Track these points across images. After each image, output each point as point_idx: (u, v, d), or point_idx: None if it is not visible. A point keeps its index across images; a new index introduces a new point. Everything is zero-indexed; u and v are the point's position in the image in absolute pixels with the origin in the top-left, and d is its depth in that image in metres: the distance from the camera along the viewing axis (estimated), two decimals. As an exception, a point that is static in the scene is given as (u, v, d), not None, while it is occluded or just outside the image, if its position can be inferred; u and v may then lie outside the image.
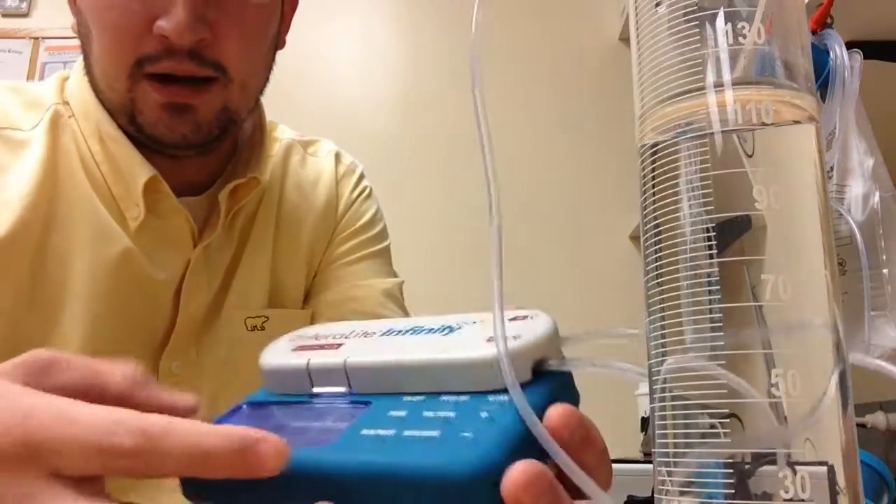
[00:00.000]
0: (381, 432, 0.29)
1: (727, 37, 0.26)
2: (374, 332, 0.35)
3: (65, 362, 0.32)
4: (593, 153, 1.82)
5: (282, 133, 0.78)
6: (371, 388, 0.32)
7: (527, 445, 0.26)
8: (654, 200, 0.27)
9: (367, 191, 0.81)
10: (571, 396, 0.30)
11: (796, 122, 0.26)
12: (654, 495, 0.26)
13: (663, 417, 0.26)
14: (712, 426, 0.24)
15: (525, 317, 0.32)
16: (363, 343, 0.34)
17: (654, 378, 0.26)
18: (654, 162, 0.27)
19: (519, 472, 0.25)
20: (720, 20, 0.26)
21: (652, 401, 0.26)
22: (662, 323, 0.26)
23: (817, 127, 0.27)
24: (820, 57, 0.65)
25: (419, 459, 0.27)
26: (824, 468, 0.23)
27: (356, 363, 0.33)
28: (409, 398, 0.31)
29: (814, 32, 0.67)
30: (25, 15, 2.00)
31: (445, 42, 1.90)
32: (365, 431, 0.29)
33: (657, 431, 0.26)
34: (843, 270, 0.64)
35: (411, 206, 1.72)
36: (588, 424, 0.28)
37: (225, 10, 0.60)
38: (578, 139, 1.84)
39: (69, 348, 0.59)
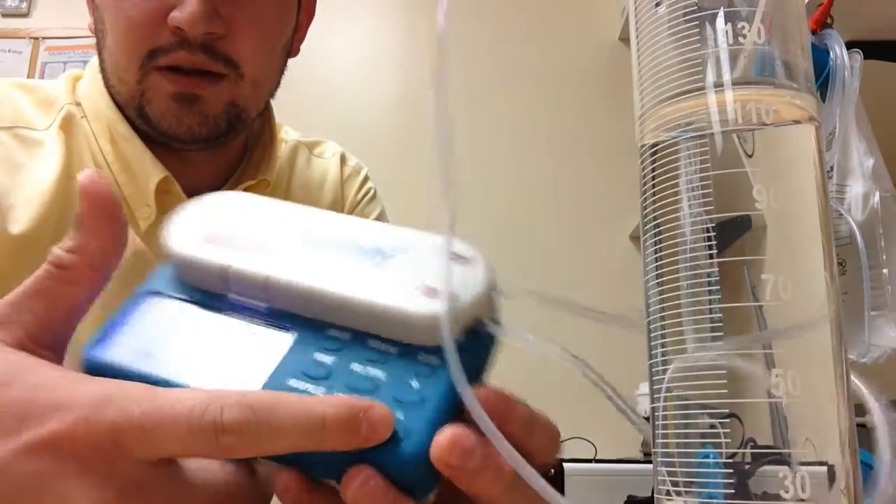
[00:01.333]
0: (310, 388, 0.27)
1: (727, 37, 0.26)
2: (299, 234, 0.32)
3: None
4: (593, 153, 1.82)
5: (286, 134, 0.79)
6: (293, 309, 0.30)
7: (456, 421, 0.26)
8: (654, 200, 0.27)
9: (371, 192, 0.81)
10: (493, 355, 0.30)
11: (796, 122, 0.26)
12: (654, 495, 0.26)
13: (663, 417, 0.26)
14: (712, 426, 0.24)
15: (462, 258, 0.30)
16: (283, 249, 0.32)
17: (654, 378, 0.26)
18: (654, 162, 0.27)
19: (445, 438, 0.25)
20: (720, 20, 0.26)
21: (652, 401, 0.26)
22: (662, 323, 0.26)
23: (817, 127, 0.27)
24: (820, 57, 0.65)
25: None
26: (824, 468, 0.23)
27: (280, 282, 0.30)
28: (334, 333, 0.29)
29: (814, 32, 0.67)
30: (25, 15, 2.00)
31: (448, 44, 1.90)
32: (292, 382, 0.28)
33: (657, 431, 0.26)
34: (843, 270, 0.64)
35: (411, 207, 1.72)
36: (507, 399, 0.27)
37: (239, 6, 0.61)
38: (578, 139, 1.84)
39: (81, 348, 0.60)
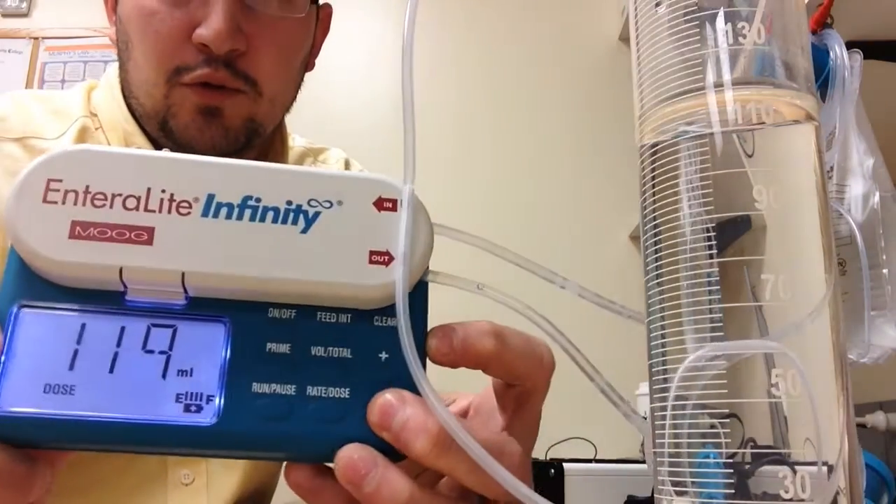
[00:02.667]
0: (278, 389, 0.25)
1: (727, 37, 0.26)
2: (187, 201, 0.26)
3: None
4: (593, 153, 1.82)
5: (293, 141, 0.81)
6: (217, 294, 0.26)
7: None
8: (654, 200, 0.27)
9: None
10: (427, 295, 0.29)
11: (796, 122, 0.26)
12: (654, 495, 0.26)
13: (663, 417, 0.26)
14: (712, 426, 0.24)
15: (391, 201, 0.28)
16: (182, 228, 0.25)
17: (654, 378, 0.26)
18: (654, 162, 0.27)
19: (375, 407, 0.26)
20: (720, 20, 0.26)
21: (652, 401, 0.26)
22: (662, 323, 0.26)
23: (817, 127, 0.27)
24: (820, 57, 0.65)
25: (339, 438, 0.25)
26: (824, 468, 0.23)
27: (200, 275, 0.25)
28: (276, 314, 0.26)
29: (814, 32, 0.67)
30: (25, 15, 2.00)
31: (446, 43, 1.90)
32: (256, 388, 0.25)
33: (657, 431, 0.26)
34: (843, 270, 0.64)
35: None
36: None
37: (260, 24, 0.62)
38: (578, 139, 1.84)
39: None
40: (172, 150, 0.63)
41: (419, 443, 0.25)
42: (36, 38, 1.97)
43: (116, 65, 0.69)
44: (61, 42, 1.95)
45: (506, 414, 0.32)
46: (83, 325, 0.25)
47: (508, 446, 0.28)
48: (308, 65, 0.72)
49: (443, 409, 0.25)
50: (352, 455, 0.25)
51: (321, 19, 0.73)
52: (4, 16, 2.00)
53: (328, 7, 0.74)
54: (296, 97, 0.71)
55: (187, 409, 0.25)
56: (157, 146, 0.65)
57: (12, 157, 0.62)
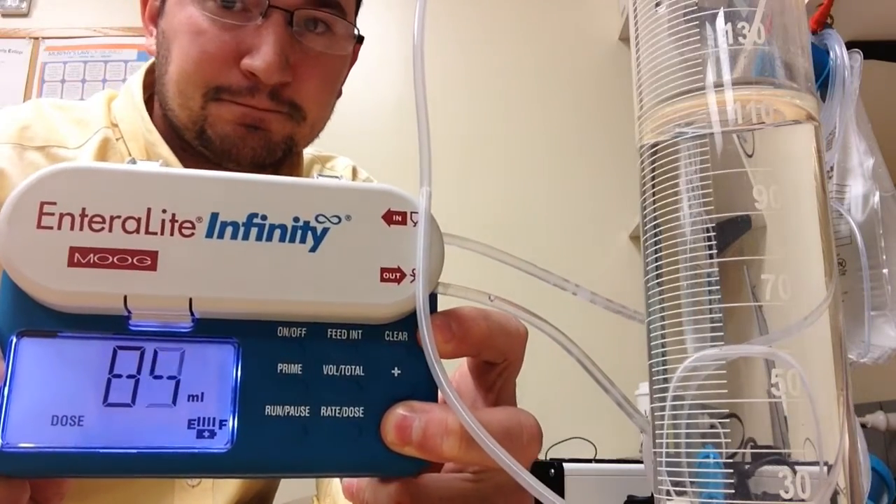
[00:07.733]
0: (291, 411, 0.25)
1: (727, 37, 0.26)
2: (190, 221, 0.25)
3: None
4: (593, 153, 1.82)
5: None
6: (225, 316, 0.25)
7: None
8: (654, 200, 0.27)
9: None
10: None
11: (796, 122, 0.26)
12: (654, 495, 0.26)
13: (663, 417, 0.26)
14: (712, 426, 0.24)
15: (400, 214, 0.27)
16: (187, 251, 0.24)
17: (654, 378, 0.26)
18: (653, 162, 0.27)
19: (390, 427, 0.26)
20: (720, 20, 0.26)
21: (652, 401, 0.26)
22: (662, 323, 0.26)
23: (817, 127, 0.27)
24: (820, 57, 0.65)
25: (356, 457, 0.25)
26: (825, 468, 0.23)
27: (209, 300, 0.24)
28: (286, 332, 0.26)
29: (814, 32, 0.67)
30: (25, 15, 2.00)
31: (445, 45, 1.90)
32: (269, 411, 0.25)
33: (657, 431, 0.26)
34: (843, 270, 0.64)
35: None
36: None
37: (306, 56, 0.64)
38: (578, 139, 1.84)
39: None
40: (206, 156, 0.63)
41: (447, 445, 0.25)
42: (36, 38, 1.97)
43: (137, 74, 0.71)
44: (61, 42, 1.94)
45: (492, 393, 0.32)
46: (87, 352, 0.24)
47: (523, 418, 0.28)
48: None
49: (465, 409, 0.25)
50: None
51: (354, 50, 0.75)
52: (4, 16, 2.00)
53: (361, 39, 0.76)
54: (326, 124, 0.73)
55: (200, 434, 0.24)
56: (182, 155, 0.65)
57: (35, 166, 0.62)
